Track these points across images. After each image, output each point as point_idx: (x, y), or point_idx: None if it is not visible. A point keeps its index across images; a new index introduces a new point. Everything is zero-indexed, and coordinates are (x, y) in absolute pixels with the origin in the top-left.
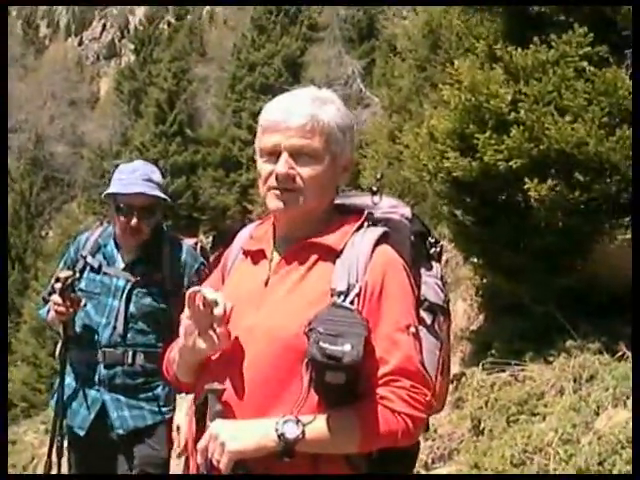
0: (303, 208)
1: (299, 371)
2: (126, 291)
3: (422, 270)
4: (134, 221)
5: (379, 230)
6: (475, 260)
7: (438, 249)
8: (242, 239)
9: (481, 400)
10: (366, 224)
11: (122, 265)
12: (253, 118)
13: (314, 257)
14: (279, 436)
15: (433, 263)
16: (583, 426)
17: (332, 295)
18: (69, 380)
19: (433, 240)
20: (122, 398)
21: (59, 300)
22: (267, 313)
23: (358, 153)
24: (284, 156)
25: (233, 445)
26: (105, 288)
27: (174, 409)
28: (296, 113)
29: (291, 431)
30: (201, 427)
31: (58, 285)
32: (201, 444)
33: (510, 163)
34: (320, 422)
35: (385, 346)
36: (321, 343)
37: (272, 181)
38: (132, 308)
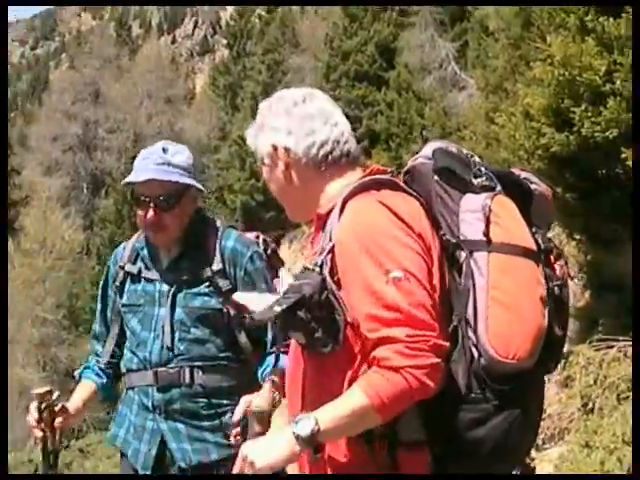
0: None
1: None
2: (171, 295)
3: (460, 208)
4: (150, 214)
5: (356, 183)
6: (577, 236)
7: (483, 179)
8: None
9: (590, 378)
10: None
11: (164, 266)
12: (349, 106)
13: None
14: (296, 438)
15: (473, 196)
16: None
17: None
18: (124, 410)
19: (477, 169)
20: (182, 428)
21: (33, 422)
22: None
23: (456, 136)
24: None
25: (261, 462)
26: (148, 297)
27: (245, 439)
28: None
29: (304, 429)
30: None
31: (34, 404)
32: (235, 469)
33: (607, 134)
34: (330, 409)
35: (367, 300)
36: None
37: None
38: (181, 314)
